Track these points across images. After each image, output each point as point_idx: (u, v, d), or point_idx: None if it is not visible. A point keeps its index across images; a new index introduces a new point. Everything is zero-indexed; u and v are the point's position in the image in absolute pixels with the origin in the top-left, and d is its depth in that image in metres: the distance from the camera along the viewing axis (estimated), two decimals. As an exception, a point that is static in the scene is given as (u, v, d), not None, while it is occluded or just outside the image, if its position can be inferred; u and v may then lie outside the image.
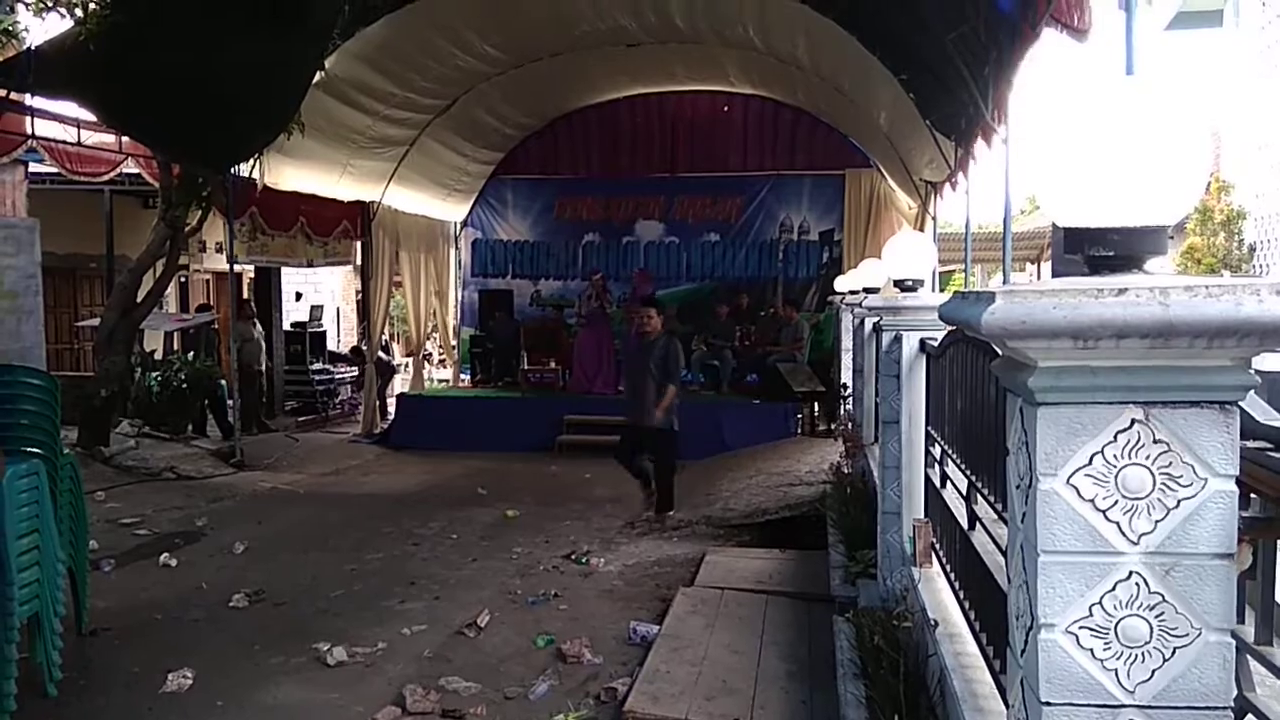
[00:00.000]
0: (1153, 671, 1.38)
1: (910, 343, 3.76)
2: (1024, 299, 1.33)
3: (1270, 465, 1.45)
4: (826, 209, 12.48)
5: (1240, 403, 1.36)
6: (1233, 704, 1.38)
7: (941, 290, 11.66)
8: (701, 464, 9.36)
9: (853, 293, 7.59)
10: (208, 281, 14.35)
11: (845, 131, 11.79)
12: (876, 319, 4.78)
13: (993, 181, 13.75)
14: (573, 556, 5.98)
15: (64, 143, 8.92)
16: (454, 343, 13.28)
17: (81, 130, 8.94)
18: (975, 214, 6.76)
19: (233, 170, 8.33)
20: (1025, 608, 1.47)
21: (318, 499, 7.96)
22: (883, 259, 4.23)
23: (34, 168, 9.84)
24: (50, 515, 3.71)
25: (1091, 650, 1.39)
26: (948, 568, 2.98)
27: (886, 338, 4.06)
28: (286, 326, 12.76)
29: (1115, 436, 1.38)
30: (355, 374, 12.94)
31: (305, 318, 13.50)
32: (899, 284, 3.88)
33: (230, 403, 9.81)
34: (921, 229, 9.47)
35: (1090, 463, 1.39)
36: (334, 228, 10.65)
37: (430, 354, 15.69)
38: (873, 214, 11.77)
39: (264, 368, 11.23)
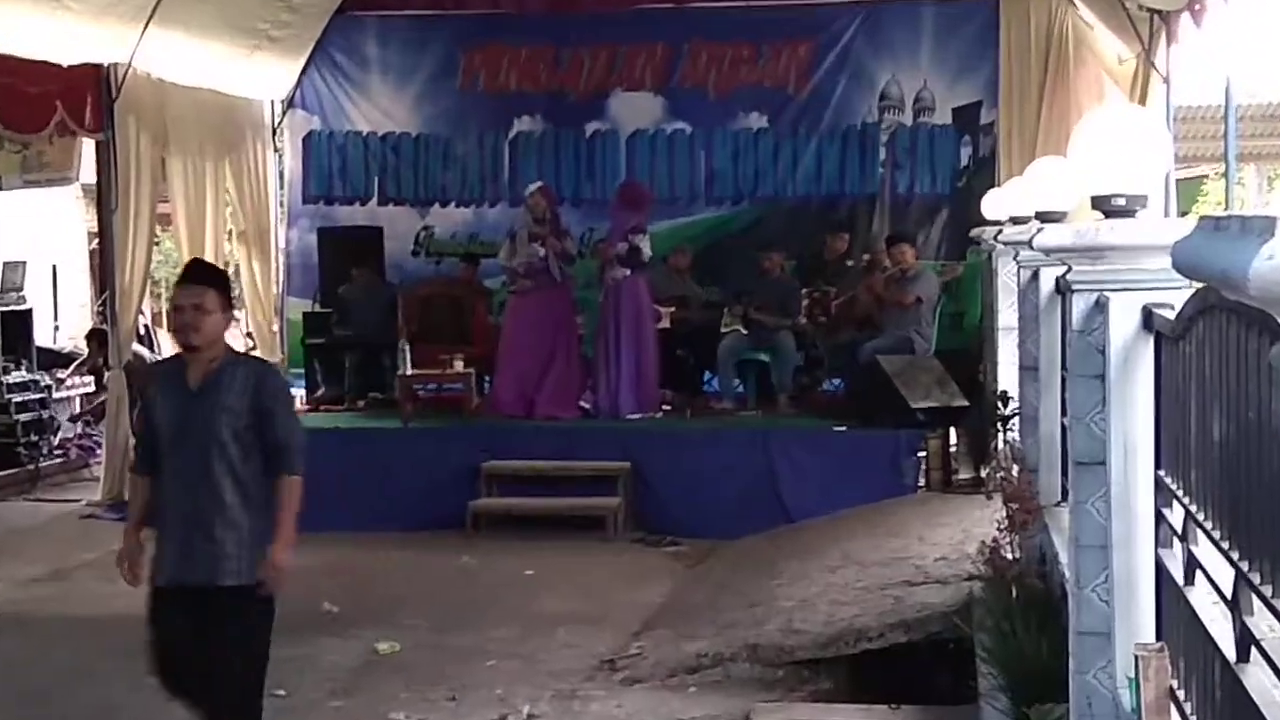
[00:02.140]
0: None
1: (1124, 313, 3.79)
2: (1330, 230, 1.33)
3: None
4: (965, 65, 12.56)
5: None
6: None
7: (1182, 213, 11.62)
8: (741, 546, 9.46)
9: (1017, 222, 7.60)
10: None
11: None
12: (1061, 271, 4.82)
13: (1274, 16, 13.89)
14: (504, 726, 6.08)
15: None
16: (274, 328, 13.34)
17: None
18: (1245, 76, 6.99)
19: None
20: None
21: (22, 626, 7.92)
22: (1070, 157, 4.23)
23: None
24: None
25: None
26: (1202, 733, 3.02)
27: (1080, 304, 4.08)
28: (-46, 304, 12.72)
29: None
30: (90, 389, 12.97)
31: (-7, 286, 13.47)
32: (1101, 204, 3.89)
33: None
34: (1143, 100, 9.38)
35: None
36: (44, 116, 10.60)
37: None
38: (1052, 72, 11.80)
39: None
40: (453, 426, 11.25)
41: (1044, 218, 6.07)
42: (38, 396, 12.70)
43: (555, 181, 12.60)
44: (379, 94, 13.53)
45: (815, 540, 9.10)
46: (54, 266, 17.04)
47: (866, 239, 12.60)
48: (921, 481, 10.07)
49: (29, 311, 13.42)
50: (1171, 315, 3.34)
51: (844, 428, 10.58)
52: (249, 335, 13.93)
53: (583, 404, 11.43)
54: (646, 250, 11.22)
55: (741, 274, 12.27)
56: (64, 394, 13.11)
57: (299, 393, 13.03)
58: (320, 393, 12.63)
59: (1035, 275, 6.58)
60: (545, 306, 11.41)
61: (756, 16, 12.80)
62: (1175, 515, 3.36)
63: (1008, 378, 8.44)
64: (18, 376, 12.63)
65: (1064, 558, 4.86)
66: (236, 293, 13.18)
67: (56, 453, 12.79)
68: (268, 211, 13.27)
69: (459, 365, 11.49)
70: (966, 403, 10.05)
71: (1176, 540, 3.35)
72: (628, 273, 11.14)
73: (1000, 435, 8.60)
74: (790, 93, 12.92)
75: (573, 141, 13.26)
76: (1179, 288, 3.36)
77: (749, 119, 13.00)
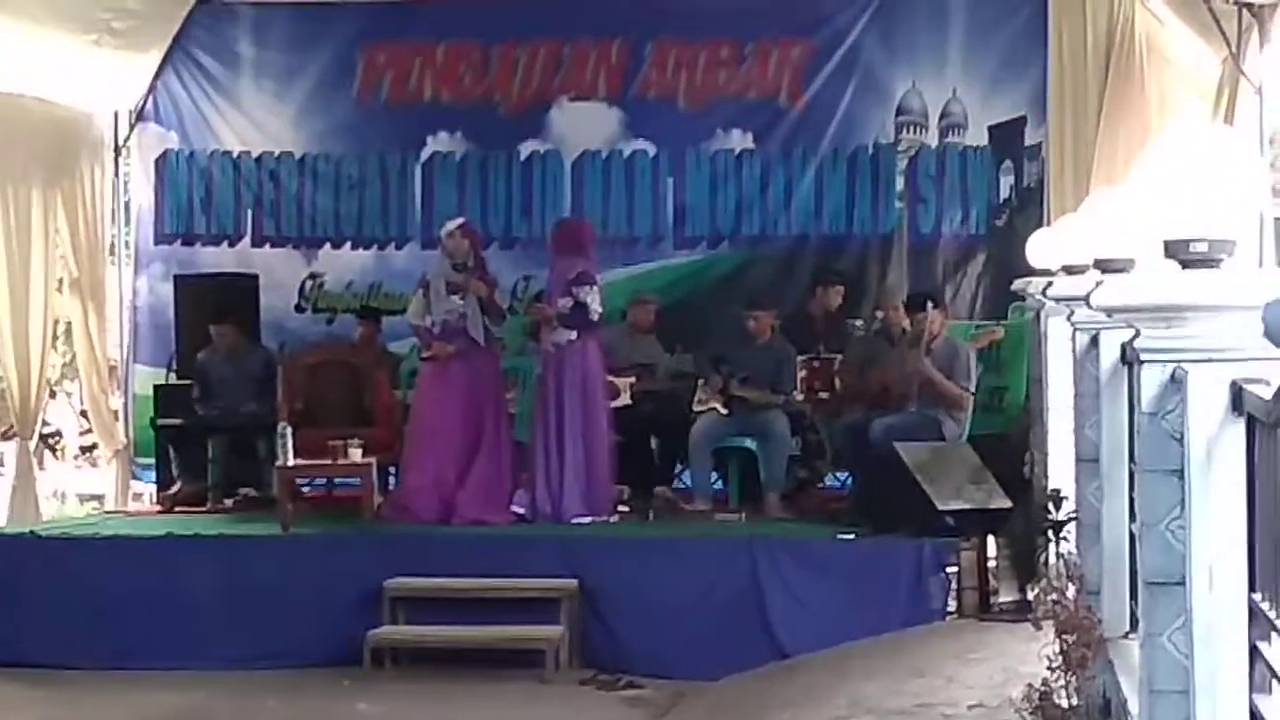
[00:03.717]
0: None
1: (1207, 391, 3.80)
2: None
3: None
4: (1005, 70, 12.81)
5: None
6: None
7: (1285, 259, 11.91)
8: (721, 690, 9.45)
9: (1071, 272, 7.64)
10: None
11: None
12: (1127, 336, 4.89)
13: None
14: None
15: None
16: (117, 405, 13.25)
17: None
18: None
19: None
20: None
21: None
22: (1136, 189, 4.32)
23: None
24: None
25: None
26: None
27: (1152, 379, 4.17)
28: None
29: None
30: None
31: None
32: (1176, 251, 3.92)
33: None
34: (1230, 118, 9.51)
35: None
36: None
37: (58, 433, 15.79)
38: (1115, 80, 11.80)
39: None
40: (348, 534, 11.17)
41: (1104, 267, 6.08)
42: None
43: (481, 217, 12.77)
44: (255, 104, 13.56)
45: (816, 681, 9.02)
46: None
47: (880, 293, 12.62)
48: (952, 605, 10.02)
49: None
50: (1268, 394, 3.34)
51: (852, 535, 10.51)
52: (83, 414, 14.03)
53: (516, 507, 11.32)
54: (595, 307, 11.18)
55: (721, 337, 12.25)
56: None
57: (148, 489, 13.07)
58: (176, 489, 12.46)
59: (1094, 341, 6.59)
60: (467, 378, 11.35)
61: (739, 7, 12.94)
62: (1274, 651, 3.38)
63: (1061, 472, 8.44)
64: None
65: (1134, 705, 4.85)
66: (69, 358, 13.32)
67: None
68: (108, 254, 13.23)
69: (356, 454, 11.32)
70: (1009, 504, 10.01)
71: (1276, 684, 3.40)
72: (573, 336, 11.11)
73: (1052, 546, 8.58)
74: (782, 105, 13.06)
75: (504, 165, 13.39)
76: (1275, 360, 3.34)
77: (729, 138, 13.15)
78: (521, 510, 11.29)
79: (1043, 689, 6.32)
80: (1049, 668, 6.36)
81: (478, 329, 11.25)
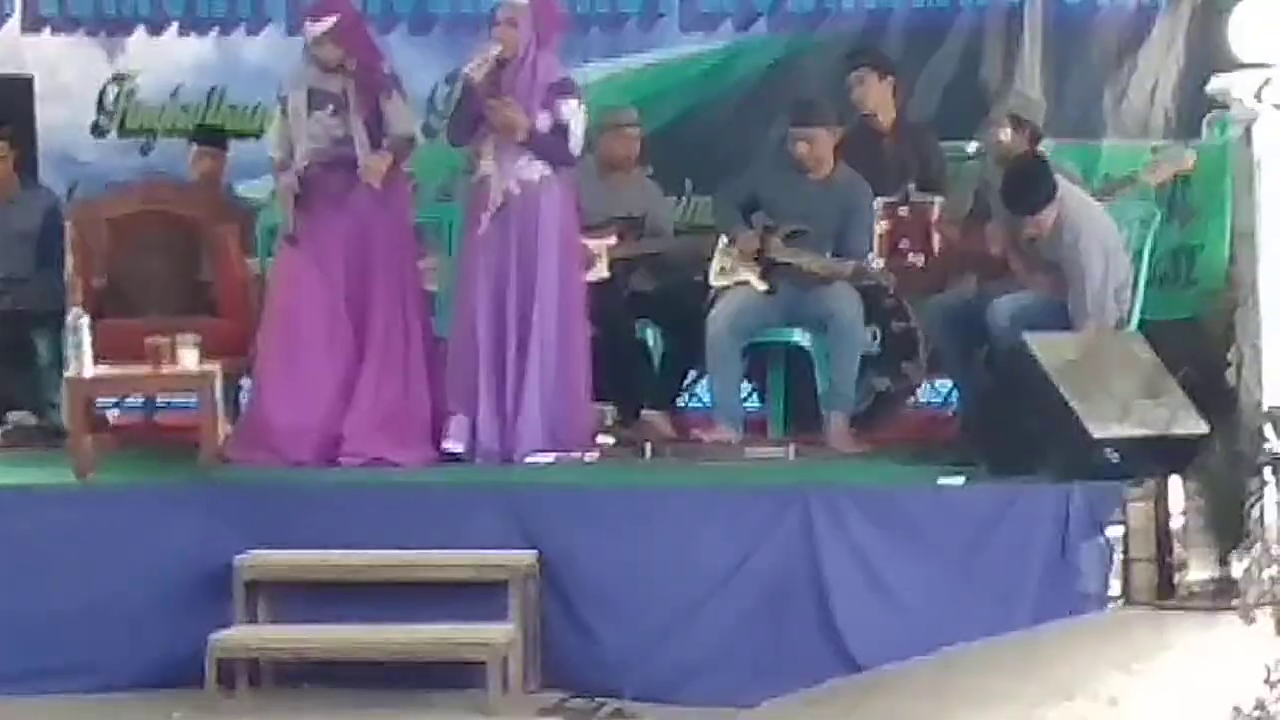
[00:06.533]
0: None
1: None
2: None
3: None
4: None
5: None
6: None
7: None
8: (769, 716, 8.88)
9: None
10: None
11: None
12: None
13: None
14: None
15: None
16: None
17: None
18: None
19: None
20: None
21: None
22: None
23: None
24: None
25: None
26: None
27: None
28: None
29: None
30: None
31: None
32: None
33: None
34: None
35: None
36: None
37: None
38: None
39: None
40: (178, 484, 9.94)
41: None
42: None
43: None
44: None
45: (904, 710, 8.20)
46: None
47: (1000, 96, 11.31)
48: (1115, 587, 9.00)
49: None
50: None
51: (960, 480, 9.29)
52: None
53: (451, 442, 10.08)
54: (578, 136, 10.04)
55: (754, 170, 11.16)
56: None
57: None
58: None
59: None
60: (356, 239, 10.16)
61: None
62: None
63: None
64: None
65: None
66: None
67: None
68: None
69: (189, 359, 10.14)
70: (1203, 428, 9.15)
71: None
72: (546, 172, 9.88)
73: (1270, 493, 8.36)
74: None
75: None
76: None
77: None
78: (458, 447, 10.02)
79: (1258, 714, 6.22)
80: (1267, 681, 6.22)
81: (337, 176, 10.04)
